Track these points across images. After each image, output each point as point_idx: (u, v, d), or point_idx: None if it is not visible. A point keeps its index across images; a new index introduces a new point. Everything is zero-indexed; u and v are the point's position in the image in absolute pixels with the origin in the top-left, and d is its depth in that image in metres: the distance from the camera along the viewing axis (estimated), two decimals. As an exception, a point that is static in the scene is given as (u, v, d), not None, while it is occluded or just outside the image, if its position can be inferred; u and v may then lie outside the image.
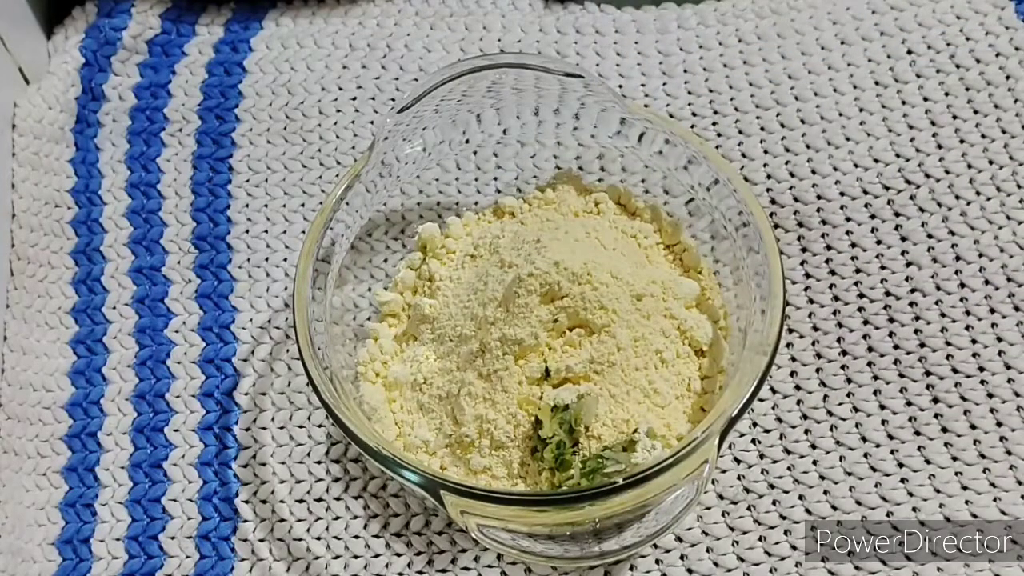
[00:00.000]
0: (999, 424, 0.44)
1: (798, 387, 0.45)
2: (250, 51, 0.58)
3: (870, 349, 0.46)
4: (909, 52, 0.53)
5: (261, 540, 0.45)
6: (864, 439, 0.44)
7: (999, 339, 0.45)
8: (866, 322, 0.46)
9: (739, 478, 0.44)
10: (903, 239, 0.48)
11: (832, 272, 0.48)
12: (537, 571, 0.43)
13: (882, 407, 0.44)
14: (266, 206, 0.53)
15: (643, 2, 0.57)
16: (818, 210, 0.49)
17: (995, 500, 0.42)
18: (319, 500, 0.45)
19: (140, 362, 0.50)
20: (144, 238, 0.53)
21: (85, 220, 0.54)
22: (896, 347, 0.46)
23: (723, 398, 0.39)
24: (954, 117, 0.51)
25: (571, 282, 0.41)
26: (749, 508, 0.43)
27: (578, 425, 0.40)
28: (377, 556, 0.44)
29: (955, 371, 0.45)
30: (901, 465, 0.43)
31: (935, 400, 0.44)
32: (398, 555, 0.44)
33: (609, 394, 0.41)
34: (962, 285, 0.47)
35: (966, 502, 0.42)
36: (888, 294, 0.47)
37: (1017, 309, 0.46)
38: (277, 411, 0.48)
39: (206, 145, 0.55)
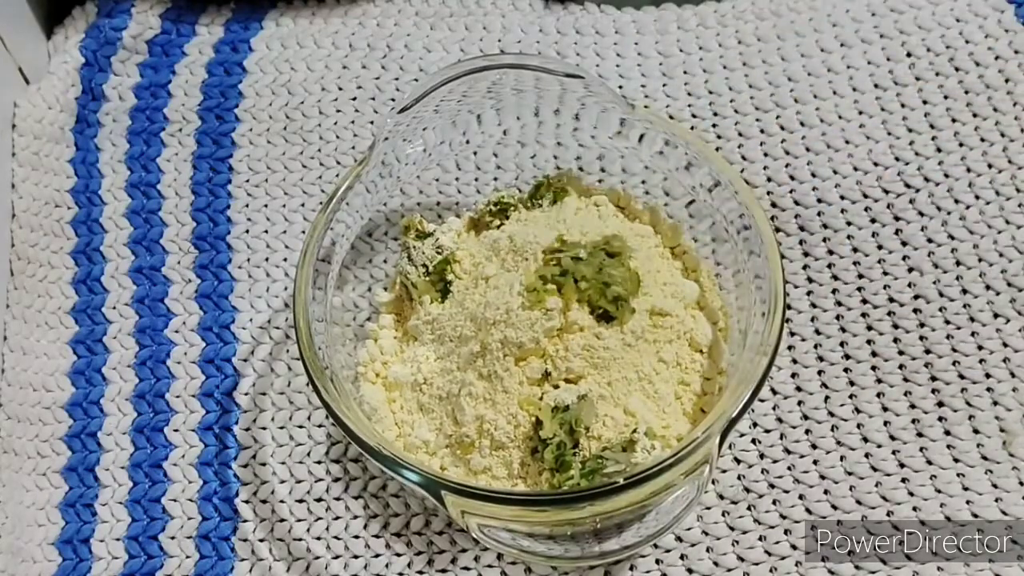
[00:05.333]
0: (1003, 431, 0.44)
1: (799, 388, 0.46)
2: (250, 51, 0.58)
3: (874, 354, 0.46)
4: (908, 55, 0.53)
5: (261, 540, 0.45)
6: (865, 439, 0.44)
7: (1005, 344, 0.45)
8: (870, 328, 0.46)
9: (739, 478, 0.44)
10: (904, 243, 0.48)
11: (834, 277, 0.48)
12: (537, 571, 0.43)
13: (884, 408, 0.45)
14: (266, 206, 0.53)
15: (643, 3, 0.57)
16: (819, 214, 0.49)
17: (996, 500, 0.42)
18: (319, 500, 0.45)
19: (140, 362, 0.50)
20: (144, 238, 0.53)
21: (85, 220, 0.54)
22: (901, 352, 0.46)
23: (723, 399, 0.39)
24: (953, 120, 0.51)
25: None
26: (749, 508, 0.43)
27: (578, 426, 0.40)
28: (377, 556, 0.44)
29: (962, 377, 0.45)
30: (902, 465, 0.43)
31: (940, 404, 0.44)
32: (398, 555, 0.44)
33: (609, 394, 0.41)
34: (964, 291, 0.47)
35: (967, 502, 0.42)
36: (892, 300, 0.47)
37: (1020, 314, 0.46)
38: (277, 411, 0.48)
39: (206, 145, 0.55)
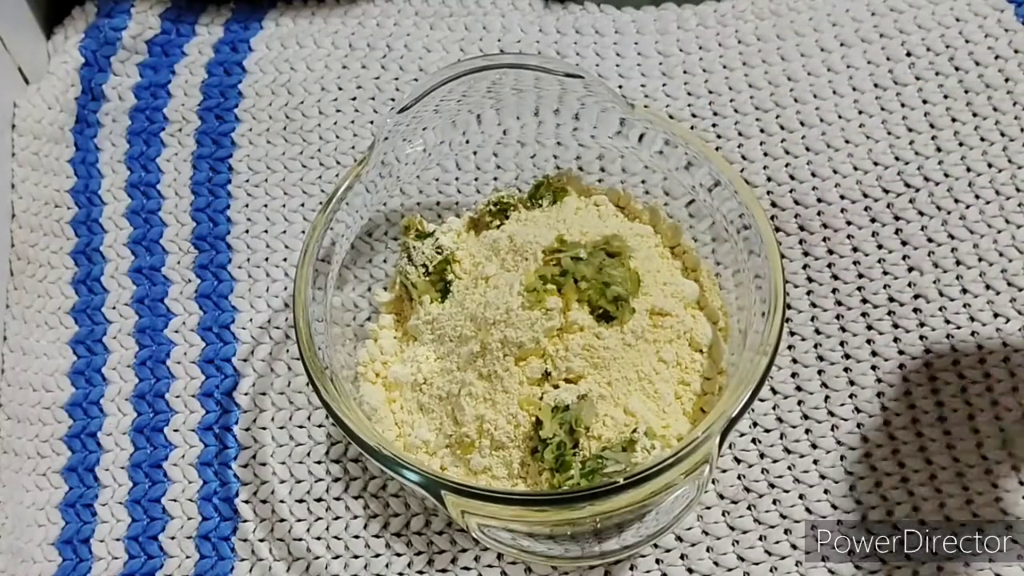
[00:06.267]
0: (1003, 430, 0.44)
1: (799, 388, 0.46)
2: (250, 51, 0.58)
3: (874, 354, 0.46)
4: (908, 54, 0.53)
5: (261, 540, 0.45)
6: (865, 439, 0.44)
7: (1005, 344, 0.45)
8: (870, 328, 0.46)
9: (739, 478, 0.44)
10: (904, 243, 0.48)
11: (834, 277, 0.48)
12: (537, 571, 0.43)
13: (884, 408, 0.45)
14: (266, 206, 0.53)
15: (643, 3, 0.57)
16: (819, 213, 0.49)
17: (996, 500, 0.42)
18: (319, 500, 0.45)
19: (140, 362, 0.50)
20: (144, 238, 0.53)
21: (85, 220, 0.54)
22: (901, 352, 0.46)
23: (723, 398, 0.39)
24: (953, 120, 0.51)
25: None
26: (749, 508, 0.43)
27: (578, 426, 0.40)
28: (377, 556, 0.44)
29: (962, 376, 0.45)
30: (902, 465, 0.43)
31: (940, 404, 0.44)
32: (398, 555, 0.44)
33: (609, 394, 0.41)
34: (964, 291, 0.47)
35: (967, 502, 0.42)
36: (891, 300, 0.47)
37: (1020, 314, 0.46)
38: (277, 411, 0.48)
39: (206, 145, 0.55)
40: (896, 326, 0.46)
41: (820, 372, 0.46)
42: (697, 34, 0.55)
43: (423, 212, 0.50)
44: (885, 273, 0.48)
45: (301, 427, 0.47)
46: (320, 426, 0.47)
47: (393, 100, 0.55)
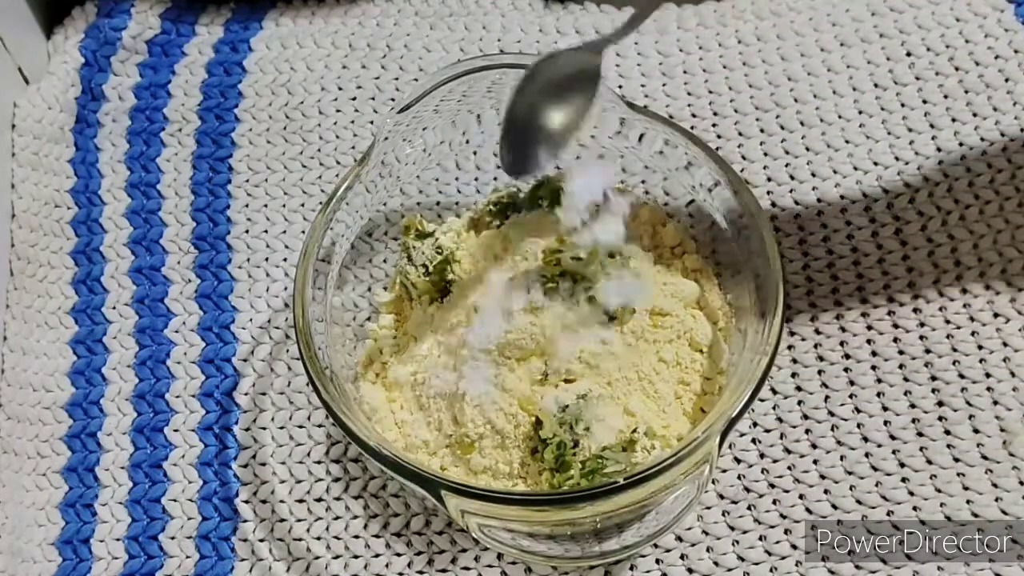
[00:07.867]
0: (1003, 430, 0.44)
1: (799, 388, 0.46)
2: (250, 51, 0.58)
3: (874, 354, 0.46)
4: (908, 54, 0.53)
5: (261, 540, 0.45)
6: (865, 439, 0.44)
7: (1005, 344, 0.45)
8: (870, 328, 0.46)
9: (739, 478, 0.44)
10: (904, 243, 0.48)
11: (834, 277, 0.48)
12: (537, 571, 0.43)
13: (884, 408, 0.44)
14: (266, 206, 0.53)
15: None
16: (819, 213, 0.49)
17: (996, 500, 0.42)
18: (319, 500, 0.45)
19: (140, 362, 0.50)
20: (144, 238, 0.53)
21: (85, 220, 0.54)
22: (901, 352, 0.46)
23: (723, 398, 0.39)
24: (953, 120, 0.51)
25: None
26: (749, 508, 0.43)
27: (578, 426, 0.40)
28: (377, 556, 0.44)
29: (962, 376, 0.45)
30: (902, 465, 0.43)
31: (940, 404, 0.44)
32: (398, 555, 0.44)
33: (609, 394, 0.41)
34: (964, 291, 0.47)
35: (967, 502, 0.42)
36: (891, 300, 0.47)
37: (1020, 314, 0.46)
38: (277, 411, 0.48)
39: (206, 145, 0.55)
40: (896, 326, 0.46)
41: (820, 372, 0.46)
42: (697, 34, 0.55)
43: (423, 212, 0.50)
44: (885, 273, 0.48)
45: (301, 427, 0.47)
46: (320, 426, 0.47)
47: (393, 100, 0.55)
